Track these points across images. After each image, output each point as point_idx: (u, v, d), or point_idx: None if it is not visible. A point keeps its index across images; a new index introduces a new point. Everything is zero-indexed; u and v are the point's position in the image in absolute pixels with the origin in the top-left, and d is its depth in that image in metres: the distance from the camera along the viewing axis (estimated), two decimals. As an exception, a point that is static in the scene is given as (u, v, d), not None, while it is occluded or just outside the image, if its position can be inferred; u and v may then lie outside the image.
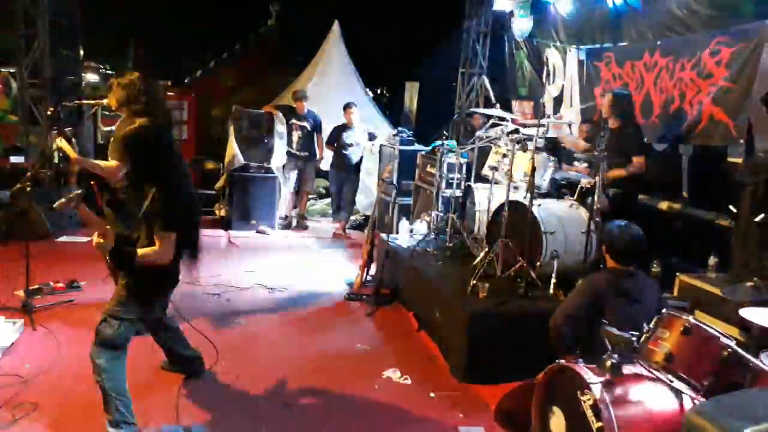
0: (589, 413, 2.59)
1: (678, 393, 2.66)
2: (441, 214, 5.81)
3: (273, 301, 5.31)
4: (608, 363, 2.73)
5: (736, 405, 2.10)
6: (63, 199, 2.97)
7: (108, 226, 3.13)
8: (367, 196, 8.75)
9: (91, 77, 9.36)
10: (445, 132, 6.02)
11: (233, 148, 7.83)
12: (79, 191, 3.00)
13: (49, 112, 4.03)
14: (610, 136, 4.84)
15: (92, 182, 4.22)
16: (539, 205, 4.67)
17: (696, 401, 2.57)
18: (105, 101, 4.24)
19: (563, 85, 7.33)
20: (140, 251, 2.96)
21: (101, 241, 2.98)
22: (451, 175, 5.96)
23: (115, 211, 4.09)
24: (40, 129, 7.62)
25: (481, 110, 6.56)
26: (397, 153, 7.11)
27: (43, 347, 4.05)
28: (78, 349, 3.93)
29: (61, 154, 7.66)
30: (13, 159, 7.32)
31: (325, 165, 8.28)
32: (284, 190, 8.04)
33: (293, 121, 7.84)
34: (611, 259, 3.36)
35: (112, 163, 3.98)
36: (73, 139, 4.13)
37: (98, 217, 3.10)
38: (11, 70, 8.12)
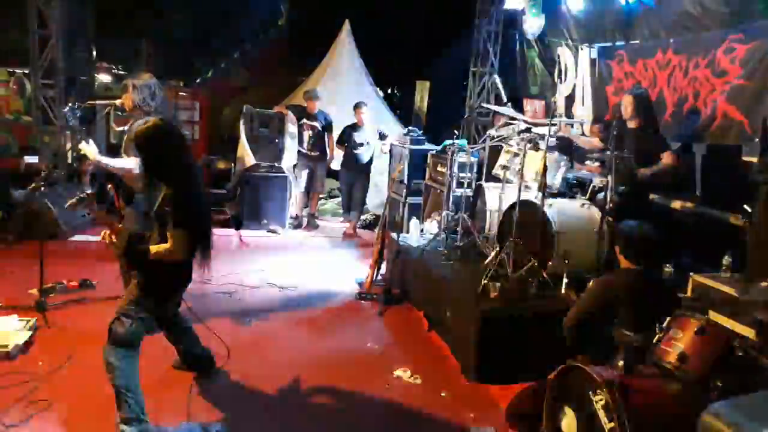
0: (601, 413, 2.58)
1: (691, 393, 2.63)
2: (452, 214, 5.79)
3: (284, 301, 5.32)
4: (621, 363, 2.71)
5: (752, 407, 2.08)
6: (74, 199, 2.99)
7: (120, 225, 3.15)
8: (377, 195, 8.75)
9: (104, 78, 9.45)
10: (455, 131, 5.99)
11: (244, 147, 7.85)
12: (91, 191, 3.02)
13: (67, 108, 4.07)
14: (630, 137, 4.80)
15: (109, 183, 4.26)
16: (551, 204, 4.64)
17: (709, 402, 2.54)
18: (118, 101, 4.30)
19: (575, 84, 7.28)
20: (152, 249, 2.98)
21: (113, 239, 3.00)
22: (461, 175, 5.93)
23: (133, 210, 4.15)
24: (53, 129, 7.70)
25: (495, 107, 6.53)
26: (407, 152, 7.10)
27: (57, 345, 4.08)
28: (91, 347, 3.95)
29: (75, 154, 7.77)
30: (28, 159, 7.40)
31: (336, 165, 8.29)
32: (295, 190, 8.06)
33: (304, 120, 7.85)
34: (625, 259, 3.34)
35: (129, 161, 4.02)
36: (90, 140, 4.18)
37: (110, 217, 3.11)
38: (25, 71, 8.21)
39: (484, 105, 8.08)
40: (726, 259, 4.32)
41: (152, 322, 3.21)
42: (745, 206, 4.40)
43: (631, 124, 4.93)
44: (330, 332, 4.72)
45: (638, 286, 3.23)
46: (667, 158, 4.77)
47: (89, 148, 4.08)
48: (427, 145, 7.25)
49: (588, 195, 4.85)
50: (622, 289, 3.24)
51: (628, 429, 2.45)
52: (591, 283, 3.77)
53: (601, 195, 4.69)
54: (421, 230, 5.94)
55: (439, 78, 10.49)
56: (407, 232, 6.22)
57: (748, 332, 3.53)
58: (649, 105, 4.99)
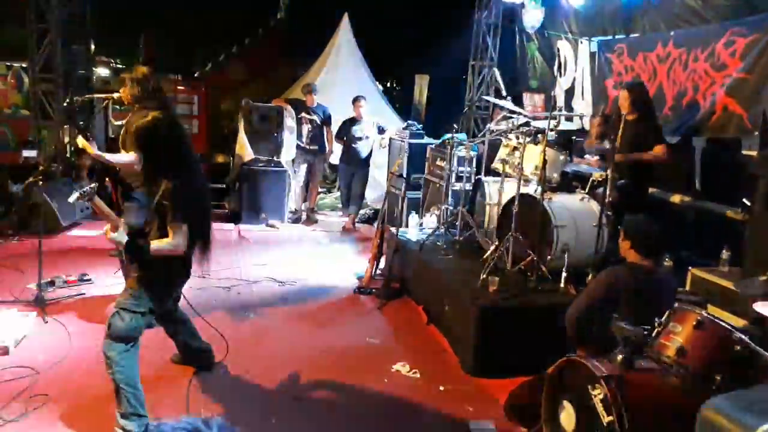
0: (600, 407, 2.58)
1: (690, 388, 2.63)
2: (451, 208, 5.78)
3: (283, 295, 5.32)
4: (619, 357, 2.71)
5: (751, 401, 2.08)
6: (77, 193, 2.98)
7: (122, 220, 3.15)
8: (376, 189, 8.74)
9: (102, 71, 9.41)
10: (455, 125, 5.98)
11: (243, 141, 7.83)
12: (94, 185, 3.01)
13: (65, 103, 4.09)
14: (627, 128, 4.80)
15: (106, 177, 4.26)
16: (550, 198, 4.64)
17: (708, 396, 2.54)
18: (116, 95, 4.29)
19: (575, 78, 7.27)
20: (153, 243, 2.97)
21: (115, 234, 2.99)
22: (461, 169, 5.93)
23: (131, 204, 4.15)
24: (52, 123, 7.67)
25: (495, 100, 6.50)
26: (406, 146, 7.09)
27: (55, 340, 4.08)
28: (89, 341, 3.96)
29: (73, 148, 7.75)
30: (26, 153, 7.37)
31: (335, 158, 8.27)
32: (294, 184, 8.05)
33: (303, 114, 7.83)
34: (636, 254, 3.31)
35: (129, 155, 4.01)
36: (89, 134, 4.18)
37: (111, 211, 3.10)
38: (23, 65, 8.17)
39: (485, 98, 8.04)
40: (725, 253, 4.32)
41: (151, 317, 3.21)
42: (744, 200, 4.40)
43: (629, 117, 4.92)
44: (329, 326, 4.72)
45: (645, 280, 3.22)
46: (657, 150, 4.75)
47: (86, 142, 4.08)
48: (426, 139, 7.24)
49: (587, 189, 4.84)
50: (628, 283, 3.22)
51: (627, 423, 2.45)
52: (591, 277, 3.77)
53: (600, 189, 4.69)
54: (421, 224, 5.94)
55: (438, 71, 10.43)
56: (406, 226, 6.22)
57: (747, 326, 3.53)
58: (645, 98, 4.97)
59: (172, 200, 2.95)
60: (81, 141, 4.12)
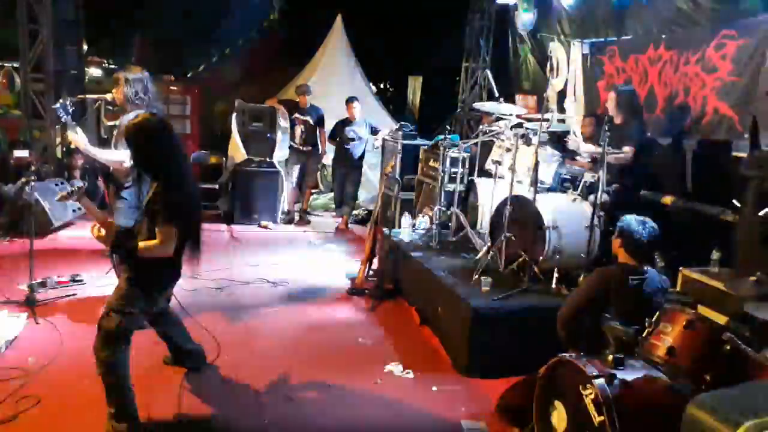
0: (591, 407, 2.59)
1: (680, 387, 2.65)
2: (444, 209, 5.79)
3: (275, 296, 5.31)
4: (610, 357, 2.73)
5: (736, 397, 2.09)
6: (64, 192, 2.97)
7: (110, 219, 3.13)
8: (369, 191, 8.74)
9: (95, 72, 9.38)
10: (448, 126, 5.99)
11: (236, 142, 7.83)
12: (82, 184, 3.00)
13: (59, 104, 4.07)
14: (614, 131, 4.83)
15: (99, 176, 4.24)
16: (542, 199, 4.65)
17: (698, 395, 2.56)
18: (109, 96, 4.28)
19: (567, 79, 7.30)
20: (141, 244, 2.96)
21: (102, 234, 2.98)
22: (453, 170, 5.94)
23: (121, 204, 4.14)
24: (43, 123, 7.64)
25: (482, 106, 6.49)
26: (399, 147, 7.09)
27: (46, 341, 4.06)
28: (81, 342, 3.94)
29: (65, 148, 7.72)
30: (17, 153, 7.33)
31: (328, 160, 8.27)
32: (287, 185, 8.05)
33: (296, 115, 7.84)
34: (627, 253, 3.32)
35: (119, 153, 4.00)
36: (79, 129, 4.16)
37: (99, 210, 3.09)
38: (14, 65, 8.13)
39: (476, 105, 8.05)
40: (715, 254, 4.35)
41: (142, 318, 3.20)
42: (735, 201, 4.43)
43: (617, 120, 4.98)
44: (321, 327, 4.71)
45: (635, 280, 3.23)
46: (625, 150, 4.81)
47: (77, 138, 4.06)
48: (419, 140, 7.25)
49: (579, 190, 4.86)
50: (619, 283, 3.24)
51: (617, 423, 2.46)
52: (587, 276, 3.78)
53: (592, 190, 4.70)
54: (413, 225, 5.95)
55: (431, 73, 10.48)
56: (399, 227, 6.22)
57: (729, 322, 3.56)
58: (631, 102, 5.04)
59: (161, 202, 2.95)
60: (71, 135, 4.10)
